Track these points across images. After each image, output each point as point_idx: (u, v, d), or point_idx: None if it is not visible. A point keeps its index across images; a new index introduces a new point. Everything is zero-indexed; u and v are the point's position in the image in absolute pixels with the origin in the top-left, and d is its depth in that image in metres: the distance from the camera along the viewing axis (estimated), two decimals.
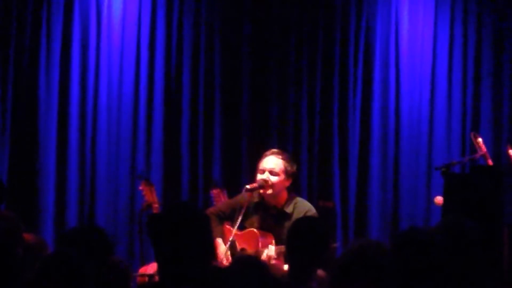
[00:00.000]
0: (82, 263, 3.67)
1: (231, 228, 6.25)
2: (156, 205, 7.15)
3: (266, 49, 8.67)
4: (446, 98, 8.70)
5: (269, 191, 6.26)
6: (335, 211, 8.28)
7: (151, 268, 6.66)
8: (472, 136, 7.44)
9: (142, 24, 8.55)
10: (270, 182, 6.24)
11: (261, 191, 6.28)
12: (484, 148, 7.27)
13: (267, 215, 6.31)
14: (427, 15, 8.71)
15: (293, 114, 8.68)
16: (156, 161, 8.52)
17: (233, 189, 7.31)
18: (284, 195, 6.33)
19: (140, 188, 7.29)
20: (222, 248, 6.21)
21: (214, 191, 7.31)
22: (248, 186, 6.32)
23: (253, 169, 7.83)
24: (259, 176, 6.28)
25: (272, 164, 6.26)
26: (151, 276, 6.51)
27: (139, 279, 6.74)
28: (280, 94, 8.68)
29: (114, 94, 8.51)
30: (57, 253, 3.87)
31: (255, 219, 6.33)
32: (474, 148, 7.47)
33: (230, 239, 6.19)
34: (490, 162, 7.27)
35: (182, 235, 3.56)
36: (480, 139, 7.30)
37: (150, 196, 7.19)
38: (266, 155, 6.33)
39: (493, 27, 8.68)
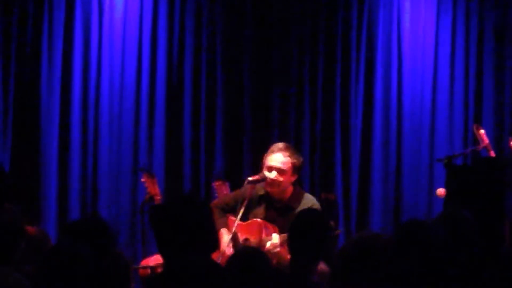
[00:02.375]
0: (84, 255, 3.67)
1: (235, 219, 6.27)
2: (158, 197, 7.16)
3: (268, 40, 8.66)
4: (448, 90, 8.69)
5: (277, 190, 6.27)
6: (337, 203, 8.27)
7: (153, 260, 6.67)
8: (474, 128, 7.43)
9: (144, 18, 8.54)
10: (278, 182, 6.24)
11: (269, 189, 6.28)
12: (486, 140, 7.26)
13: (272, 207, 6.32)
14: (429, 6, 8.69)
15: (295, 107, 8.67)
16: (158, 153, 8.52)
17: (235, 181, 7.31)
18: (290, 189, 6.34)
19: (142, 180, 7.30)
20: (225, 238, 6.23)
21: (216, 183, 7.31)
22: (250, 178, 6.34)
23: (255, 161, 7.83)
24: (267, 174, 6.26)
25: (279, 163, 6.24)
26: (153, 268, 6.52)
27: (141, 271, 6.75)
28: (282, 86, 8.67)
29: (116, 86, 8.51)
30: (60, 245, 3.87)
31: (259, 211, 6.34)
32: (476, 140, 7.47)
33: (233, 231, 6.20)
34: (492, 154, 7.26)
35: (184, 226, 3.57)
36: (482, 131, 7.29)
37: (152, 188, 7.20)
38: (273, 151, 6.30)
39: (496, 18, 8.66)
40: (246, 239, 6.30)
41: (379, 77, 8.68)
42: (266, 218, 6.29)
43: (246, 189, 6.34)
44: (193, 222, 3.59)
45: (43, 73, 8.39)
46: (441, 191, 6.99)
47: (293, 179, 6.30)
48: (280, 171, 6.23)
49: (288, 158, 6.25)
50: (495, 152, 7.45)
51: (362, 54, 8.70)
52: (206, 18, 8.61)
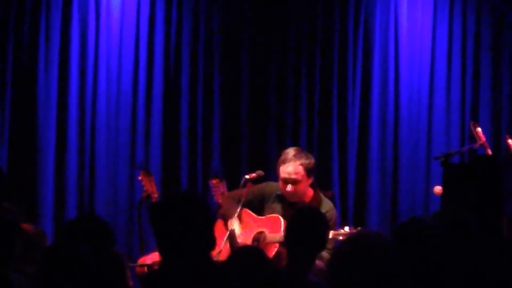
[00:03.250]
0: (84, 254, 3.67)
1: (251, 213, 6.30)
2: (155, 195, 7.16)
3: (265, 39, 8.66)
4: (445, 88, 8.69)
5: (298, 199, 6.27)
6: (334, 201, 8.27)
7: (151, 258, 6.67)
8: (471, 126, 7.42)
9: (141, 14, 8.54)
10: (295, 193, 6.27)
11: (290, 200, 6.30)
12: (483, 138, 7.25)
13: (290, 207, 6.29)
14: (426, 4, 8.69)
15: (292, 104, 8.67)
16: (155, 151, 8.52)
17: (232, 179, 7.31)
18: (310, 192, 6.35)
19: (139, 178, 7.30)
20: (236, 229, 6.24)
21: (213, 181, 7.30)
22: (247, 176, 6.36)
23: (253, 159, 7.83)
24: (282, 186, 6.29)
25: (292, 174, 6.25)
26: (150, 266, 6.52)
27: (138, 269, 6.75)
28: (279, 85, 8.67)
29: (113, 84, 8.50)
30: (59, 244, 3.86)
31: (276, 209, 6.34)
32: (473, 138, 7.46)
33: (229, 229, 6.22)
34: (489, 152, 7.25)
35: (183, 224, 3.57)
36: (479, 129, 7.28)
37: (149, 186, 7.19)
38: (283, 162, 6.29)
39: (492, 16, 8.67)
40: (260, 232, 6.29)
41: (376, 75, 8.68)
42: (283, 217, 6.30)
43: (263, 186, 6.40)
44: (192, 219, 3.59)
45: (40, 71, 8.38)
46: (438, 189, 6.98)
47: (309, 182, 6.33)
48: (294, 182, 6.25)
49: (299, 166, 6.25)
50: (492, 150, 7.45)
51: (359, 51, 8.69)
52: (203, 15, 8.61)
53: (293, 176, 6.24)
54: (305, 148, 8.53)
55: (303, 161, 6.27)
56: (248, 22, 8.64)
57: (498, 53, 8.67)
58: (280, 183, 6.30)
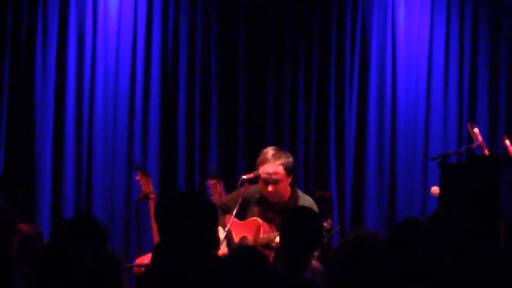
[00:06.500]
0: (79, 254, 3.66)
1: (233, 219, 6.30)
2: (153, 196, 7.17)
3: (263, 38, 8.65)
4: (443, 88, 8.69)
5: (278, 199, 6.28)
6: (331, 201, 8.27)
7: (148, 258, 6.67)
8: (468, 126, 7.43)
9: (138, 13, 8.53)
10: (276, 193, 6.28)
11: (270, 200, 6.30)
12: (480, 138, 7.26)
13: (270, 209, 6.32)
14: (423, 3, 8.70)
15: (289, 105, 8.67)
16: (153, 152, 8.51)
17: (230, 180, 7.31)
18: (288, 190, 6.35)
19: (137, 178, 7.30)
20: (221, 235, 6.25)
21: (211, 182, 7.31)
22: (244, 177, 6.36)
23: (250, 160, 7.81)
24: (262, 186, 6.29)
25: (273, 174, 6.26)
26: (147, 267, 6.52)
27: (135, 269, 6.75)
28: (277, 85, 8.67)
29: (110, 84, 8.50)
30: (55, 243, 3.85)
31: (256, 211, 6.36)
32: (470, 138, 7.47)
33: (226, 229, 6.22)
34: (487, 152, 7.26)
35: (189, 223, 3.56)
36: (476, 129, 7.29)
37: (147, 186, 7.20)
38: (265, 160, 6.30)
39: (490, 15, 8.67)
40: (243, 237, 6.32)
41: (373, 76, 8.68)
42: (263, 219, 6.31)
43: (246, 189, 6.37)
44: (198, 219, 3.59)
45: (37, 70, 8.37)
46: (435, 189, 6.99)
47: (289, 180, 6.33)
48: (274, 182, 6.26)
49: (279, 166, 6.26)
50: (490, 151, 7.46)
51: (356, 53, 8.69)
52: (201, 14, 8.60)
53: (274, 177, 6.26)
54: (302, 148, 8.56)
55: (283, 160, 6.28)
56: (246, 22, 8.63)
57: (496, 53, 8.67)
58: (260, 184, 6.32)
